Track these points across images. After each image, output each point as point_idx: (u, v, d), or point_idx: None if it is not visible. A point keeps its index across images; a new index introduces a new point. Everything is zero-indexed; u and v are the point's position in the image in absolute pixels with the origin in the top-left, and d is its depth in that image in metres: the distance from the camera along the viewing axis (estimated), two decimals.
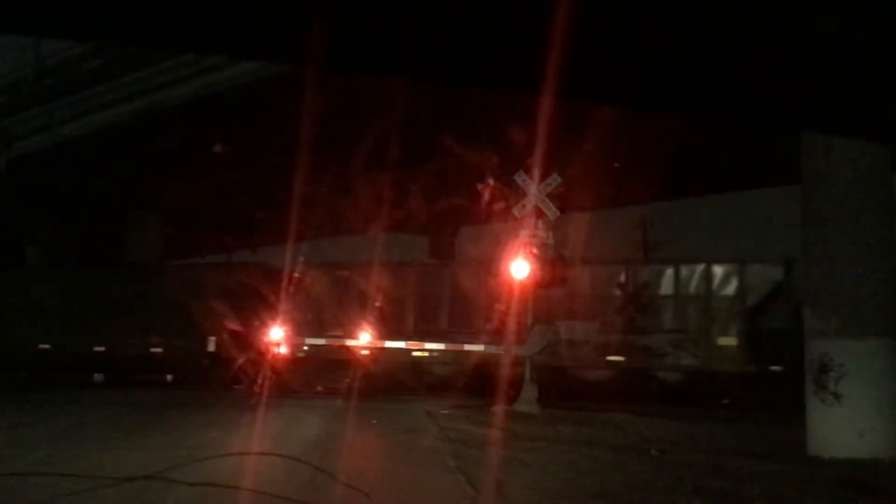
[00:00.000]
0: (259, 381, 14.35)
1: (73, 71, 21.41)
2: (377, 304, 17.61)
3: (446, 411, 12.78)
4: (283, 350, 17.07)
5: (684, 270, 17.42)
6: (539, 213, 14.19)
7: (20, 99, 22.42)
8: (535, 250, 14.03)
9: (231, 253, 25.35)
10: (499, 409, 13.39)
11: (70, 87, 21.45)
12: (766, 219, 21.33)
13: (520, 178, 14.21)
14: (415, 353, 18.01)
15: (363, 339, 17.48)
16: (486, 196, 14.87)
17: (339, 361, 17.40)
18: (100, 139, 20.91)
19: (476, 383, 15.34)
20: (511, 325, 14.16)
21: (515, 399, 13.65)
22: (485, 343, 16.20)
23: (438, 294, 18.75)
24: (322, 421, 11.81)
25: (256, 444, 8.53)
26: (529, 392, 13.73)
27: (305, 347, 17.98)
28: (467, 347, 16.81)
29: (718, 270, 17.16)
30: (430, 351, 17.83)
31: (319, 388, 17.56)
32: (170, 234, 25.44)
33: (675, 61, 2.40)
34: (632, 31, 2.24)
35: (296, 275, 16.95)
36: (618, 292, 17.73)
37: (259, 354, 16.42)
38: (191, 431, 9.81)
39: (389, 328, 17.69)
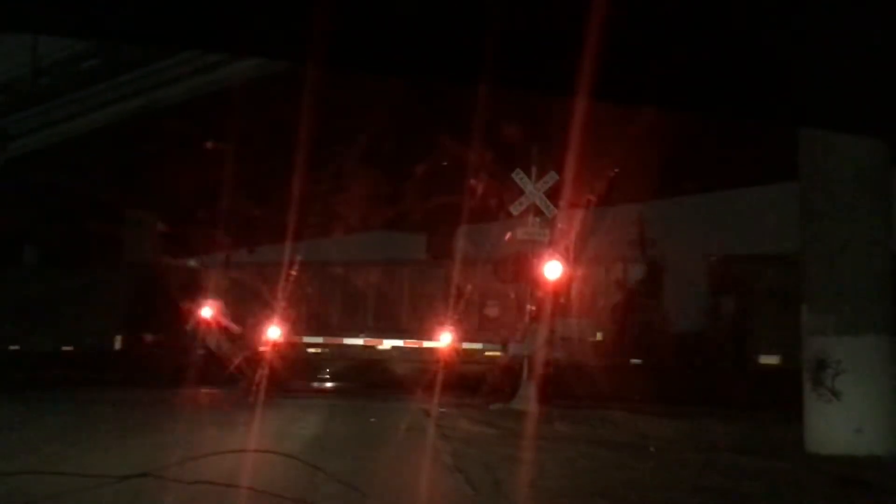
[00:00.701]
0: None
1: (70, 70, 21.36)
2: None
3: (443, 410, 12.77)
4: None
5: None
6: (536, 211, 14.19)
7: (17, 98, 22.36)
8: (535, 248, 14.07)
9: (229, 252, 25.33)
10: (496, 407, 13.41)
11: (67, 86, 21.39)
12: (761, 216, 21.33)
13: (517, 176, 14.21)
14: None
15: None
16: (483, 193, 14.88)
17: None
18: (97, 138, 20.85)
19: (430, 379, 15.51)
20: (509, 323, 14.17)
21: (513, 397, 13.65)
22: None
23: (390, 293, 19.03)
24: (320, 420, 11.82)
25: (254, 442, 8.51)
26: (527, 390, 13.72)
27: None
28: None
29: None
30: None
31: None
32: (168, 233, 25.38)
33: (674, 58, 2.40)
34: (632, 30, 2.24)
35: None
36: None
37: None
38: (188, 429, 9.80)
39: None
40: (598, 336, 17.57)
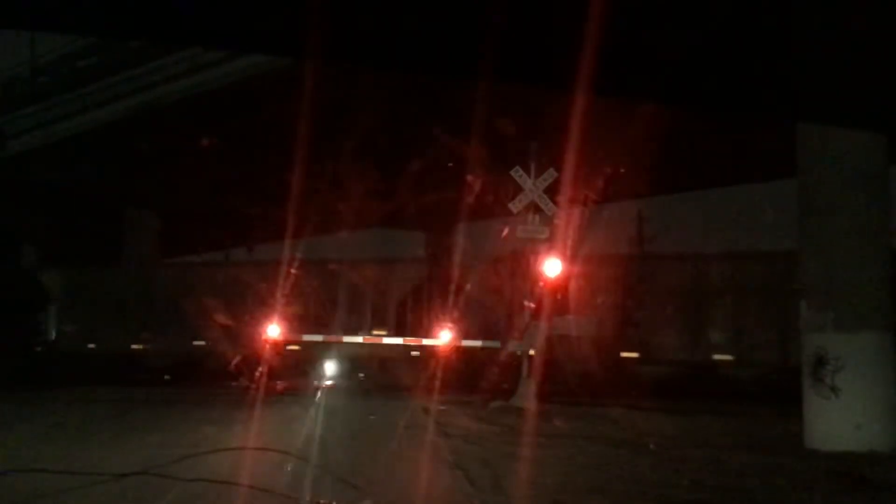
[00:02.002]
0: None
1: (68, 69, 21.36)
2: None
3: (443, 407, 12.77)
4: None
5: None
6: (536, 209, 14.18)
7: (15, 97, 22.37)
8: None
9: (227, 250, 25.36)
10: (495, 404, 13.40)
11: (65, 84, 21.39)
12: (759, 212, 21.38)
13: (516, 173, 14.19)
14: None
15: None
16: (481, 191, 14.86)
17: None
18: (95, 137, 20.85)
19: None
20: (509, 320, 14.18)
21: (512, 394, 13.65)
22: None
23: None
24: (319, 417, 11.82)
25: (253, 439, 8.51)
26: (526, 387, 13.71)
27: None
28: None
29: None
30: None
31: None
32: (166, 232, 25.37)
33: (673, 54, 2.39)
34: (631, 25, 2.24)
35: None
36: None
37: None
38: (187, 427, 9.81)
39: None
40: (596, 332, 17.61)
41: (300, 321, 18.11)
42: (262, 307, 17.43)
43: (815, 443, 9.08)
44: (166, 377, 19.48)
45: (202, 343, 20.36)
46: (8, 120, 21.98)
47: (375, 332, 18.24)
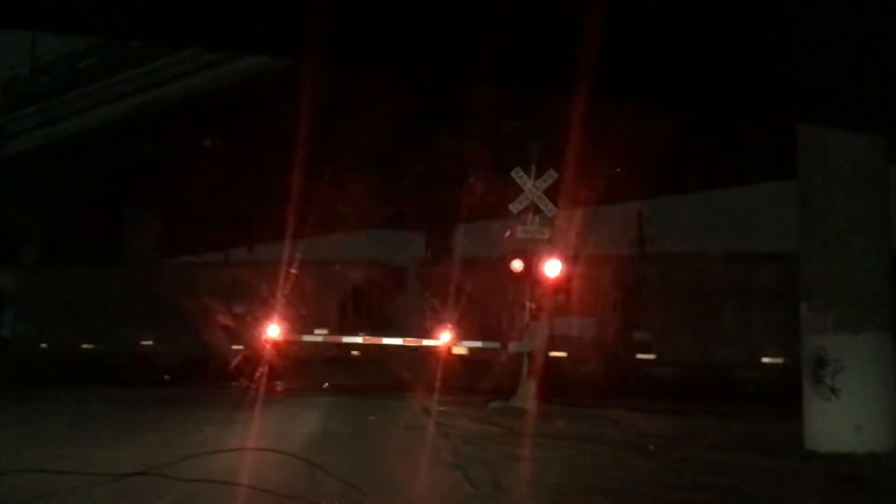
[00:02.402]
0: None
1: (69, 69, 21.38)
2: None
3: (443, 407, 12.77)
4: None
5: None
6: (536, 210, 14.18)
7: (16, 96, 22.38)
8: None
9: (227, 250, 25.36)
10: (496, 405, 13.41)
11: (66, 84, 21.41)
12: (760, 214, 21.42)
13: (516, 174, 14.19)
14: None
15: None
16: (482, 191, 14.88)
17: None
18: (96, 136, 20.87)
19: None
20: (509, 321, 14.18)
21: (512, 395, 13.65)
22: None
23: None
24: (319, 417, 11.83)
25: (254, 439, 8.51)
26: (526, 388, 13.71)
27: None
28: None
29: None
30: None
31: None
32: (166, 232, 25.40)
33: (673, 54, 2.39)
34: (631, 26, 2.24)
35: None
36: None
37: None
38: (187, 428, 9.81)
39: None
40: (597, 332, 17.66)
41: (300, 321, 18.12)
42: (261, 307, 17.45)
43: (815, 444, 9.07)
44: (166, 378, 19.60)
45: (149, 343, 20.51)
46: (8, 120, 22.00)
47: (375, 333, 18.23)
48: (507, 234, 14.76)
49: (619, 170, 17.00)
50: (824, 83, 2.56)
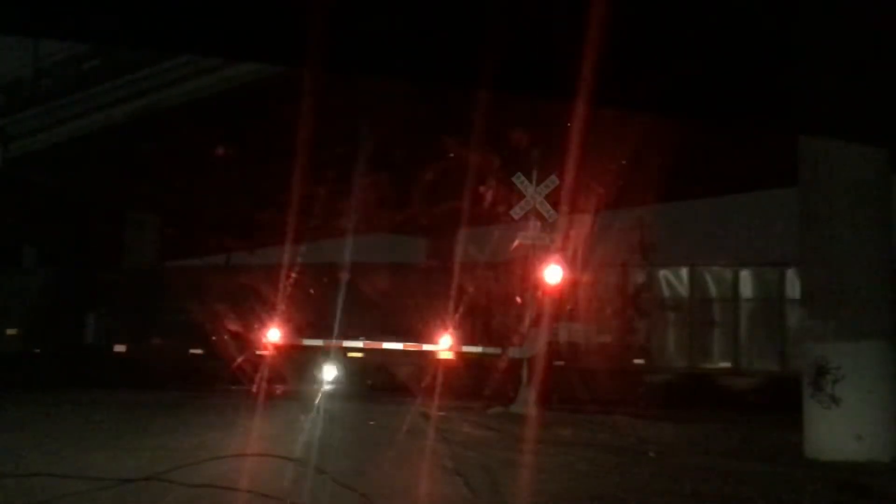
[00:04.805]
0: None
1: (71, 72, 21.39)
2: None
3: (443, 413, 12.77)
4: None
5: None
6: (538, 215, 14.19)
7: (18, 99, 22.40)
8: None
9: (230, 254, 25.35)
10: (496, 410, 13.40)
11: (68, 87, 21.42)
12: (763, 221, 21.40)
13: (518, 180, 14.20)
14: None
15: None
16: (486, 198, 14.88)
17: None
18: (98, 140, 20.87)
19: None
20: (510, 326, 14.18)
21: (513, 401, 13.65)
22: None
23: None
24: (320, 422, 11.81)
25: (256, 445, 8.52)
26: (527, 393, 13.72)
27: None
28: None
29: None
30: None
31: None
32: (168, 235, 25.39)
33: (674, 65, 2.40)
34: (633, 36, 2.25)
35: None
36: None
37: None
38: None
39: None
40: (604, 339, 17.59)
41: (301, 325, 18.13)
42: (261, 310, 17.46)
43: (815, 452, 9.07)
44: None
45: (123, 349, 20.56)
46: (10, 122, 22.02)
47: (375, 337, 18.23)
48: (517, 242, 14.75)
49: (621, 179, 17.01)
50: (826, 95, 2.57)
